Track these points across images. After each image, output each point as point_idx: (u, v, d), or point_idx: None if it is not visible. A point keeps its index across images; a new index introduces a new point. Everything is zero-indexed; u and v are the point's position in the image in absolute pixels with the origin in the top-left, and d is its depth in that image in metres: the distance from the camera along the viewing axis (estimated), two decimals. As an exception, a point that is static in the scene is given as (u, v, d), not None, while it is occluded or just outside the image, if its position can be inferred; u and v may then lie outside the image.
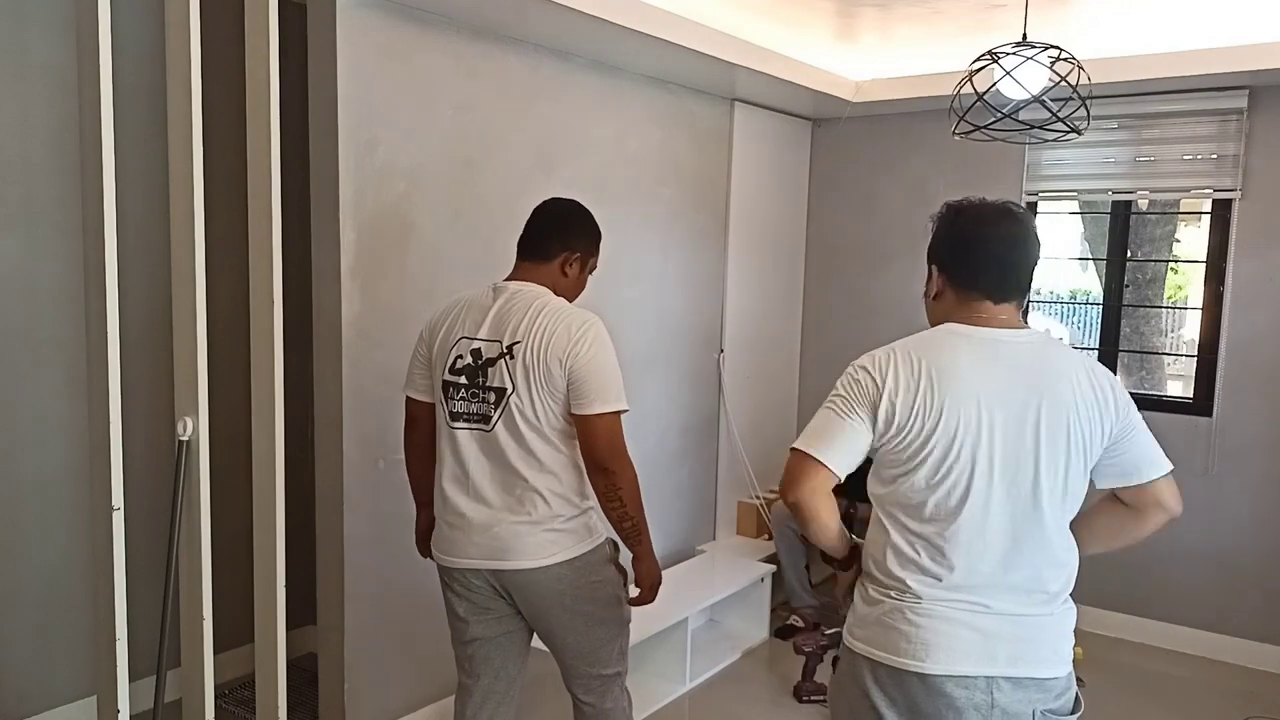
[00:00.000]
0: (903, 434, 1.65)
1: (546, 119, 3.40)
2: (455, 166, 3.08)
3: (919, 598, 1.66)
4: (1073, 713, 1.72)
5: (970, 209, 1.80)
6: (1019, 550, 1.66)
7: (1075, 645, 1.78)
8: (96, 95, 2.30)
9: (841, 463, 1.68)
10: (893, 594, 1.69)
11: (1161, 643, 4.09)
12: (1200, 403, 4.04)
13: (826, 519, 1.73)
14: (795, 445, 1.71)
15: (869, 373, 1.69)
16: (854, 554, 1.85)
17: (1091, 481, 1.75)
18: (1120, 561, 4.21)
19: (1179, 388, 4.45)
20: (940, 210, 1.84)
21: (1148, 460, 1.75)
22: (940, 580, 1.66)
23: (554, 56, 3.40)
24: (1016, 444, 1.64)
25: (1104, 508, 1.84)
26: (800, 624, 3.95)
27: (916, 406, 1.64)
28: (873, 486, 1.76)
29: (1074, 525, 1.76)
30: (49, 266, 2.89)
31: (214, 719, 2.67)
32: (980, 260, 1.74)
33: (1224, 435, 3.95)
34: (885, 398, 1.65)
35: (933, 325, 1.80)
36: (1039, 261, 1.78)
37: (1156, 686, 3.74)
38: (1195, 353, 4.10)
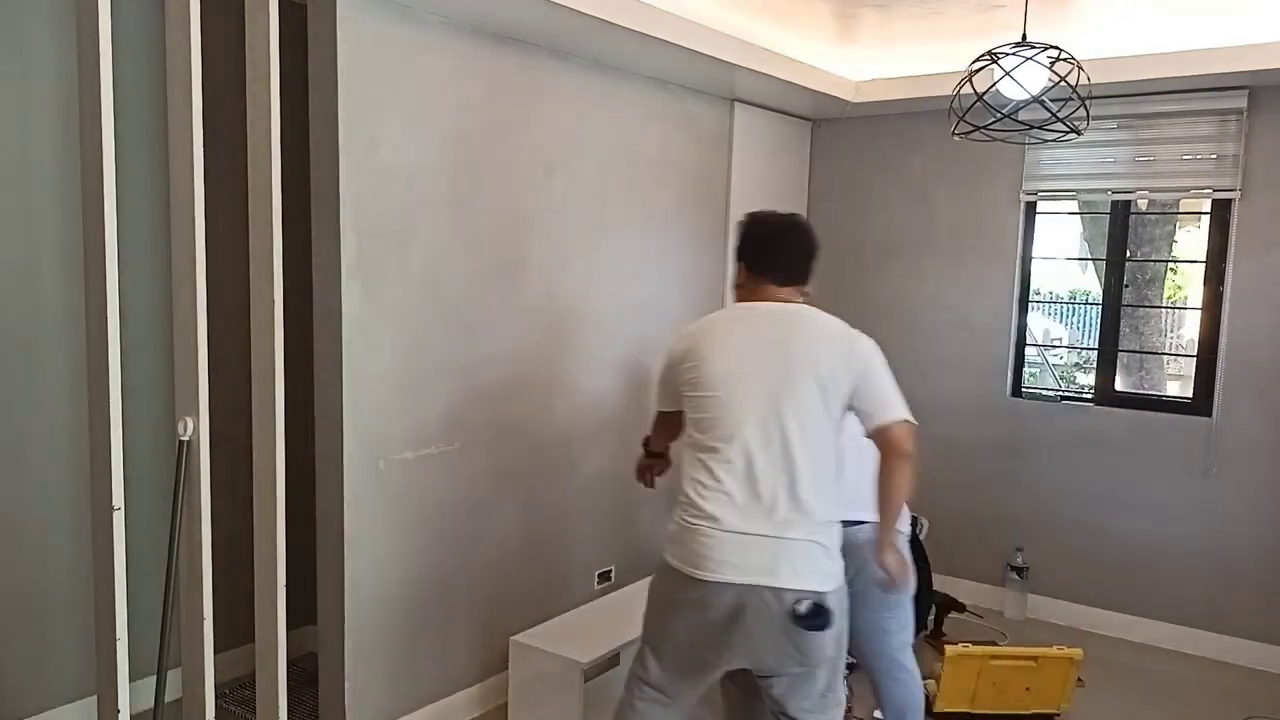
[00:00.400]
0: (684, 377, 2.24)
1: (546, 119, 3.40)
2: (455, 166, 3.09)
3: (704, 518, 2.12)
4: (822, 627, 2.09)
5: (762, 218, 2.41)
6: (773, 479, 2.10)
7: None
8: (97, 95, 2.30)
9: (667, 405, 2.39)
10: (688, 515, 2.16)
11: (1161, 643, 4.09)
12: (1200, 403, 4.04)
13: (661, 433, 2.57)
14: None
15: (674, 338, 2.35)
16: (661, 455, 2.65)
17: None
18: (1120, 561, 4.22)
19: (1178, 388, 4.45)
20: (743, 221, 2.43)
21: (882, 406, 2.17)
22: (714, 502, 2.12)
23: (554, 56, 3.40)
24: (765, 385, 2.13)
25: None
26: None
27: (691, 357, 2.22)
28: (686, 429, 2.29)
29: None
30: (49, 266, 2.89)
31: (214, 719, 2.67)
32: (772, 257, 2.31)
33: (1223, 435, 3.95)
34: (677, 352, 2.29)
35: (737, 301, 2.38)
36: (814, 256, 2.33)
37: (1156, 686, 3.74)
38: (1195, 353, 4.10)
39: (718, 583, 2.09)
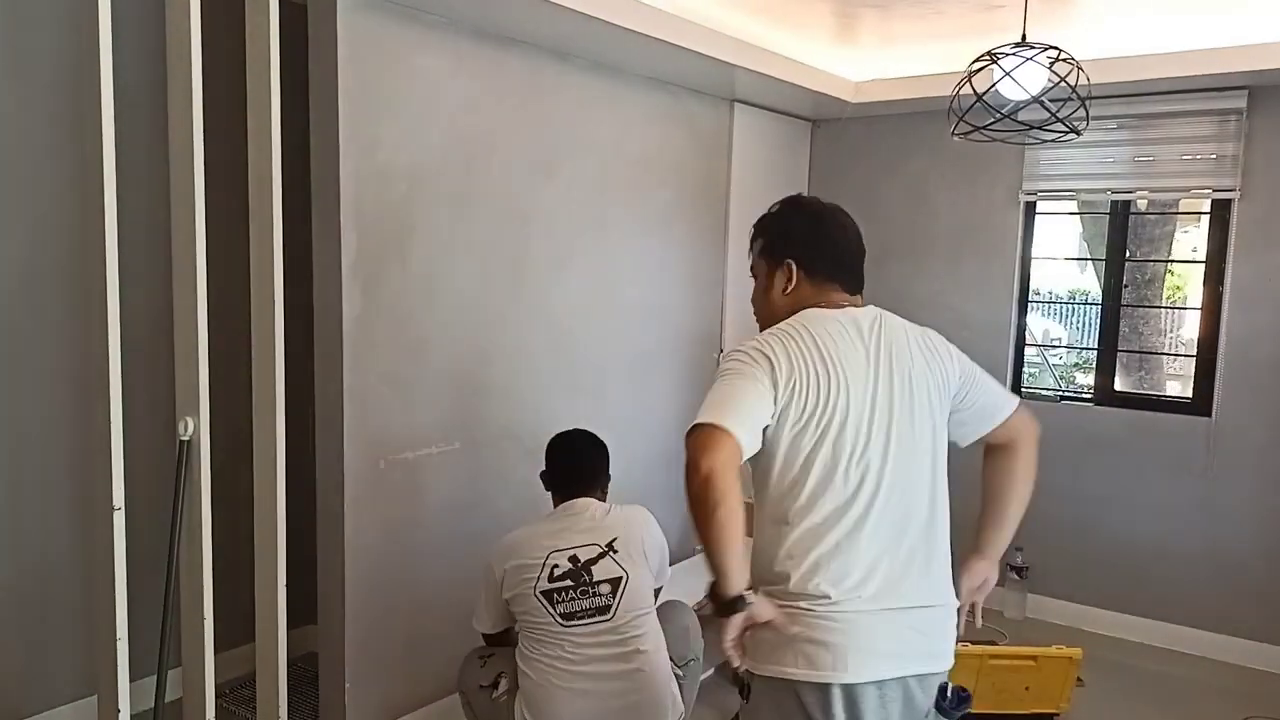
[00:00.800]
0: (800, 402, 1.61)
1: (546, 119, 3.40)
2: (455, 166, 3.09)
3: (831, 600, 1.58)
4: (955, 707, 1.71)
5: (827, 209, 1.90)
6: (914, 533, 1.66)
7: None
8: (97, 95, 2.30)
9: (746, 434, 1.56)
10: (802, 604, 1.59)
11: (1161, 643, 4.09)
12: (1199, 402, 4.03)
13: (735, 505, 1.52)
14: (697, 420, 1.55)
15: (758, 350, 1.66)
16: (738, 600, 1.58)
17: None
18: (1120, 561, 4.21)
19: (1178, 388, 4.45)
20: (788, 208, 1.90)
21: (1000, 399, 1.84)
22: (849, 576, 1.59)
23: (554, 57, 3.40)
24: (895, 412, 1.67)
25: (989, 469, 1.89)
26: None
27: (811, 375, 1.63)
28: (760, 489, 1.69)
29: (985, 502, 1.87)
30: (50, 266, 2.89)
31: (214, 718, 2.67)
32: (841, 255, 1.88)
33: (1223, 435, 3.95)
34: (780, 369, 1.62)
35: (774, 319, 1.79)
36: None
37: (1156, 686, 3.74)
38: (1194, 353, 4.10)
39: (860, 684, 1.59)
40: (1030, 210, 4.39)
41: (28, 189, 2.83)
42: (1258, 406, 3.89)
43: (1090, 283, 4.58)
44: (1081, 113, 2.80)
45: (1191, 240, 4.39)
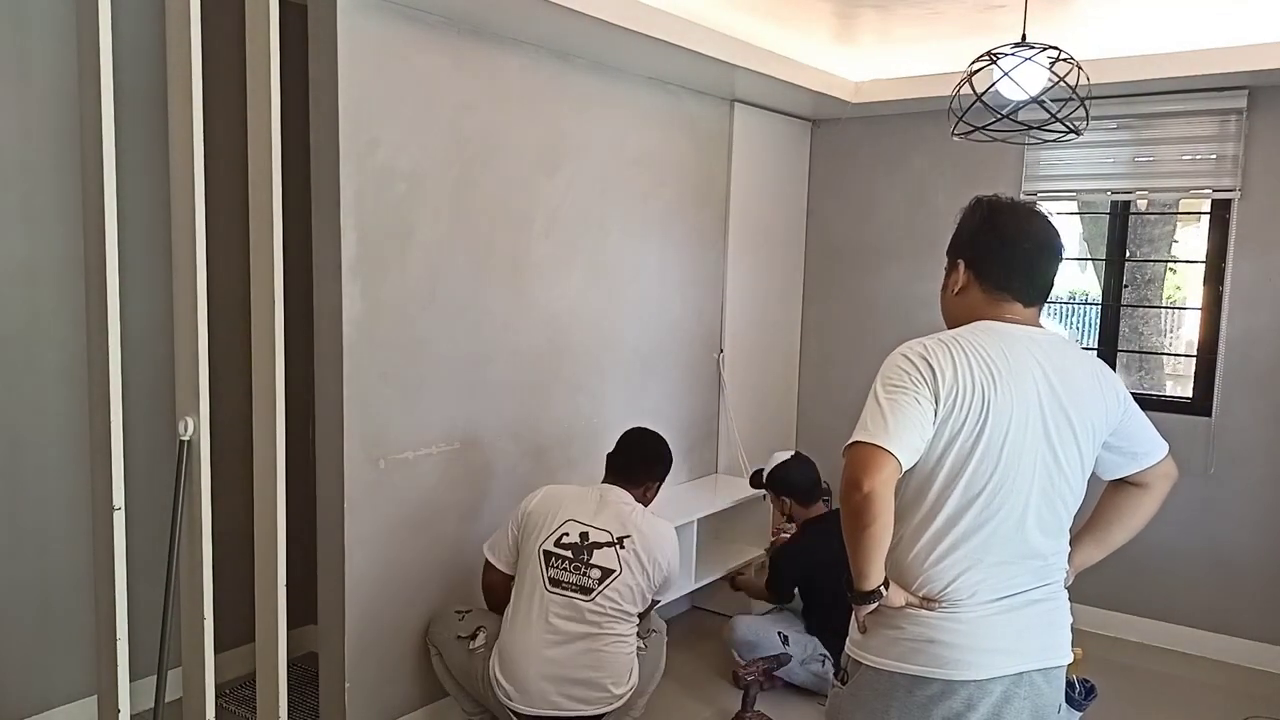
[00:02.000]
0: (960, 416, 1.60)
1: (546, 119, 3.40)
2: (455, 166, 3.09)
3: (957, 605, 1.64)
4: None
5: (1006, 207, 1.77)
6: (1045, 538, 1.69)
7: (1075, 646, 1.81)
8: (97, 95, 2.31)
9: (907, 452, 1.57)
10: (928, 606, 1.66)
11: (1161, 643, 4.09)
12: (1199, 402, 4.04)
13: (889, 520, 1.58)
14: (856, 438, 1.58)
15: (923, 358, 1.62)
16: (874, 592, 1.65)
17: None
18: (1120, 561, 4.20)
19: (1178, 388, 4.45)
20: (970, 204, 1.81)
21: (1152, 444, 1.82)
22: (977, 586, 1.64)
23: (554, 57, 3.40)
24: (1054, 439, 1.67)
25: (1115, 497, 1.91)
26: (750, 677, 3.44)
27: (975, 390, 1.60)
28: (904, 490, 1.69)
29: (1097, 523, 1.93)
30: (50, 266, 2.89)
31: (215, 718, 2.67)
32: (1014, 261, 1.73)
33: (1223, 435, 3.95)
34: (944, 380, 1.60)
35: (950, 321, 1.79)
36: (1060, 268, 1.81)
37: (1156, 686, 3.74)
38: (1194, 353, 4.10)
39: (982, 680, 1.64)
40: (1030, 210, 4.38)
41: (28, 189, 2.83)
42: (1258, 406, 3.89)
43: (1090, 283, 4.58)
44: (1081, 113, 2.80)
45: (1191, 240, 4.39)
